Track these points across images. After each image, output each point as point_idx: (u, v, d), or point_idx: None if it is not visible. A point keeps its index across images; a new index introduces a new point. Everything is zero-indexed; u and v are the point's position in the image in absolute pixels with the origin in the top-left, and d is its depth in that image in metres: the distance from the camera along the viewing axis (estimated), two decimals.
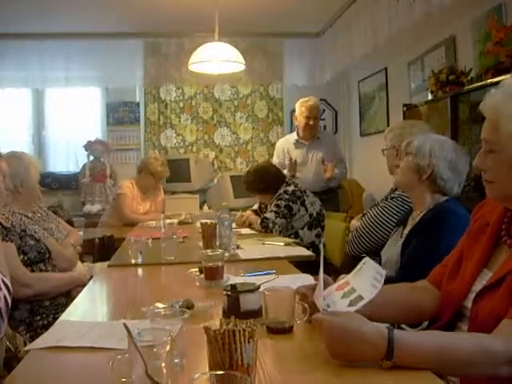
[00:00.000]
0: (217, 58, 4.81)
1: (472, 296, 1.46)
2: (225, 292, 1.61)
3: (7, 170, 2.43)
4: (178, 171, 6.06)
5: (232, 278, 2.20)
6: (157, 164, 5.03)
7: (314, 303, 1.48)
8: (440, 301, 1.63)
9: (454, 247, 1.70)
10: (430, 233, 2.11)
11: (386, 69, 5.85)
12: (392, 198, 2.78)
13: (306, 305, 1.54)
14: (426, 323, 1.74)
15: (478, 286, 1.47)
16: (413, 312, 1.66)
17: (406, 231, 2.30)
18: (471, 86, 3.72)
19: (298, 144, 5.13)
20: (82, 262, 3.37)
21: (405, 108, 4.75)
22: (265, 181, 4.10)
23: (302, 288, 1.60)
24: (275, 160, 5.22)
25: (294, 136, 5.23)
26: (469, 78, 3.83)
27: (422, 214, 2.23)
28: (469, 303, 1.47)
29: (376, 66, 5.99)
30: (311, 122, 4.98)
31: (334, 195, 5.10)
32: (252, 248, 3.10)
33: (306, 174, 4.99)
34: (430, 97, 4.43)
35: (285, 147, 5.23)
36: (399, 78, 5.47)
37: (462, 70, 3.92)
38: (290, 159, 5.01)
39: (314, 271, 2.53)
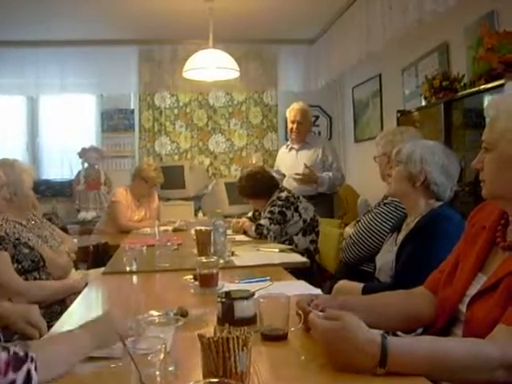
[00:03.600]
0: (211, 65, 4.83)
1: (467, 300, 1.46)
2: (219, 299, 1.61)
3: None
4: (173, 178, 6.04)
5: (226, 285, 2.19)
6: (149, 170, 5.04)
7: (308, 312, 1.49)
8: (436, 306, 1.63)
9: (449, 253, 1.70)
10: (424, 239, 2.12)
11: (379, 75, 5.86)
12: (385, 204, 2.78)
13: (300, 311, 1.54)
14: (420, 329, 1.74)
15: (472, 290, 1.47)
16: (409, 319, 1.66)
17: (401, 237, 2.30)
18: (464, 92, 3.74)
19: (289, 149, 5.27)
20: (77, 269, 3.36)
21: (399, 114, 4.76)
22: (257, 186, 4.12)
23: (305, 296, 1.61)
24: (275, 167, 5.40)
25: (288, 142, 5.37)
26: (462, 84, 3.84)
27: (416, 220, 2.24)
28: (463, 307, 1.47)
29: (370, 73, 6.00)
30: (295, 126, 5.05)
31: (327, 200, 5.12)
32: (247, 255, 3.10)
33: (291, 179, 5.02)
34: (423, 103, 4.44)
35: (280, 154, 5.45)
36: (393, 84, 5.49)
37: (455, 76, 3.93)
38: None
39: (308, 277, 2.54)
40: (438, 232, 2.11)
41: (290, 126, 5.15)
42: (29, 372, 1.10)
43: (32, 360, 1.11)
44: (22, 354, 1.10)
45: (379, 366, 1.19)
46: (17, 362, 1.08)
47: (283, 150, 5.39)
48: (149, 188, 5.13)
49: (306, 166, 4.88)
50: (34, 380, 1.10)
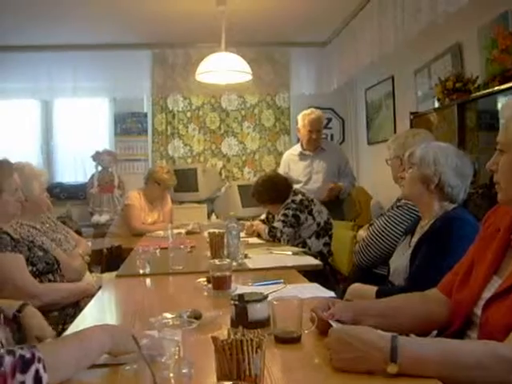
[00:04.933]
0: (224, 68, 4.83)
1: (482, 303, 1.45)
2: (232, 302, 1.62)
3: (18, 181, 2.44)
4: (186, 181, 6.06)
5: (240, 288, 2.20)
6: (162, 172, 5.06)
7: (322, 319, 1.50)
8: (450, 309, 1.62)
9: (464, 255, 1.69)
10: (438, 241, 2.10)
11: (392, 77, 5.85)
12: (398, 207, 2.76)
13: (313, 314, 1.54)
14: (435, 332, 1.73)
15: (487, 293, 1.46)
16: (423, 321, 1.65)
17: (415, 240, 2.28)
18: (478, 94, 3.72)
19: (301, 156, 5.12)
20: (91, 272, 3.38)
21: (412, 116, 4.75)
22: (274, 191, 4.10)
23: (322, 303, 1.61)
24: (280, 172, 5.23)
25: (298, 148, 5.22)
26: (476, 85, 3.82)
27: (430, 223, 2.22)
28: (478, 310, 1.46)
29: (383, 75, 5.99)
30: (314, 136, 4.97)
31: (339, 203, 5.08)
32: (260, 257, 3.10)
33: (312, 185, 4.98)
34: (436, 105, 4.43)
35: (287, 159, 5.27)
36: (406, 86, 5.47)
37: (468, 77, 3.91)
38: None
39: (322, 280, 2.53)
40: (452, 235, 2.09)
41: (306, 134, 4.98)
42: (37, 372, 1.10)
43: (39, 360, 1.11)
44: (28, 355, 1.10)
45: (390, 361, 1.19)
46: (24, 364, 1.09)
47: (292, 158, 5.19)
48: (162, 191, 5.15)
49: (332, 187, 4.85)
50: (44, 379, 1.10)
